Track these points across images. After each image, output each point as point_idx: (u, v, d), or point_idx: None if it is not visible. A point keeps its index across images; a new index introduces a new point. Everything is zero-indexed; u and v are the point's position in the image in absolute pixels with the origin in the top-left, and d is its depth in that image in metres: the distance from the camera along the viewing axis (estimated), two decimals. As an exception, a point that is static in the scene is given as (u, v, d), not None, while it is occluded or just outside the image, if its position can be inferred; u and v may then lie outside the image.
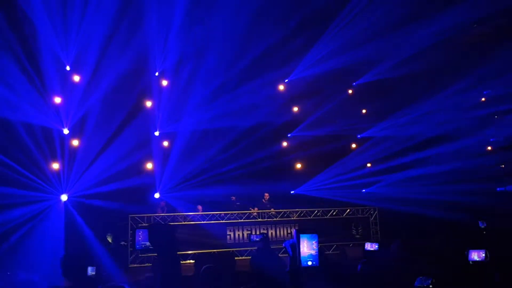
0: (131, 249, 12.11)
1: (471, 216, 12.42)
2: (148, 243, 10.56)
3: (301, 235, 4.40)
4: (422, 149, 15.67)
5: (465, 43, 15.45)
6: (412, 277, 5.74)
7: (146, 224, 12.28)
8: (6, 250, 10.86)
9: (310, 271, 4.44)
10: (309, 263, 4.54)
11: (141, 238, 11.36)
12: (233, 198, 14.42)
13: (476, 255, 5.58)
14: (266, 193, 14.48)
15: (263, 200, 14.40)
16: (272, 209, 14.04)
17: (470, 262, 5.76)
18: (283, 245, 5.55)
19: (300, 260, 4.47)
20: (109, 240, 11.92)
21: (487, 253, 5.64)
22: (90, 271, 8.56)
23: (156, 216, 12.88)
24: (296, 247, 4.46)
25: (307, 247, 4.52)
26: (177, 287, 6.45)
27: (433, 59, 15.00)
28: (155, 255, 11.19)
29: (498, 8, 13.81)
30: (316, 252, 4.54)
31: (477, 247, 5.74)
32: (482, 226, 9.00)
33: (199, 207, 13.89)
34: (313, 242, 4.46)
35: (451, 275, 5.57)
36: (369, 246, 7.23)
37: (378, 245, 7.04)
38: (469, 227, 11.06)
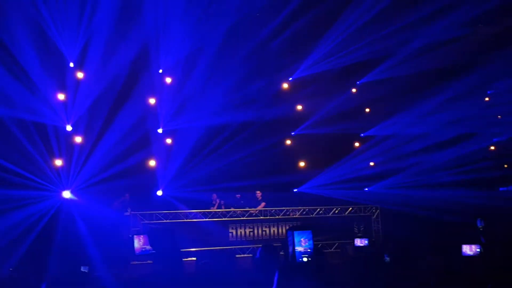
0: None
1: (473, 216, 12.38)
2: (149, 247, 10.56)
3: (295, 232, 4.39)
4: (424, 149, 15.61)
5: (469, 42, 15.38)
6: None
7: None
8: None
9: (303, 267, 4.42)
10: (305, 259, 4.53)
11: (142, 242, 11.10)
12: (238, 196, 14.41)
13: (468, 249, 5.57)
14: (258, 191, 14.37)
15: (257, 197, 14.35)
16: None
17: (464, 256, 5.73)
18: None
19: (295, 257, 4.46)
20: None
21: (481, 247, 5.62)
22: (83, 269, 8.52)
23: (158, 213, 12.91)
24: (288, 244, 4.46)
25: (302, 244, 4.51)
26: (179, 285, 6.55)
27: (438, 58, 14.97)
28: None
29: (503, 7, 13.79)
30: (311, 249, 4.53)
31: (471, 242, 5.71)
32: (480, 225, 8.92)
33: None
34: (307, 239, 4.45)
35: (446, 270, 5.56)
36: (359, 242, 7.21)
37: (368, 241, 7.03)
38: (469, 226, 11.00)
